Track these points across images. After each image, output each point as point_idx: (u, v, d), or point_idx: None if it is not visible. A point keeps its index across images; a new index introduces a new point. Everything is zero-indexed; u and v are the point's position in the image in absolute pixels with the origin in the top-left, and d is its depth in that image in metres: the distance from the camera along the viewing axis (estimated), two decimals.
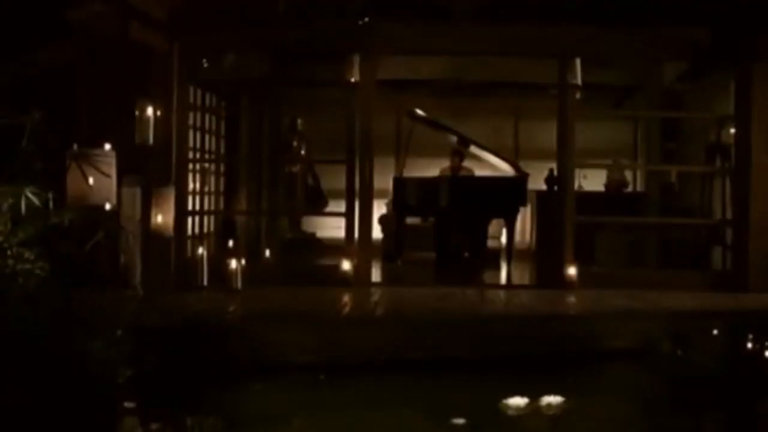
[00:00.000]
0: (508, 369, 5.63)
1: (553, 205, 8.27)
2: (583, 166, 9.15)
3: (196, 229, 8.80)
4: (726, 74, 8.64)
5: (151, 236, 7.06)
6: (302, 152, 11.46)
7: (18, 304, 4.18)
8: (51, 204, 4.95)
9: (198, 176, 8.83)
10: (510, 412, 4.70)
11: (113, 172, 5.93)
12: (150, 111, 6.72)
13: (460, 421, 4.46)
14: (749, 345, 5.42)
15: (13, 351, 4.00)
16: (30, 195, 4.65)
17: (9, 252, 4.35)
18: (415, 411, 4.78)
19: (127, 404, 4.39)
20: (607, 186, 10.73)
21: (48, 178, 5.08)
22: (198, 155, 8.87)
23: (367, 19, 8.17)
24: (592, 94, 9.69)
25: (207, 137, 9.27)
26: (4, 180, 4.88)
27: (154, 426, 4.24)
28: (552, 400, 4.84)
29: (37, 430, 3.90)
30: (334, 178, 9.61)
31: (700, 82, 10.20)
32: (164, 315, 6.03)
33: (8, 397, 3.92)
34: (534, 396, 4.84)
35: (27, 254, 4.41)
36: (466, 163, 10.45)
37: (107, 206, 5.88)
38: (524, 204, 9.56)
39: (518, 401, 4.79)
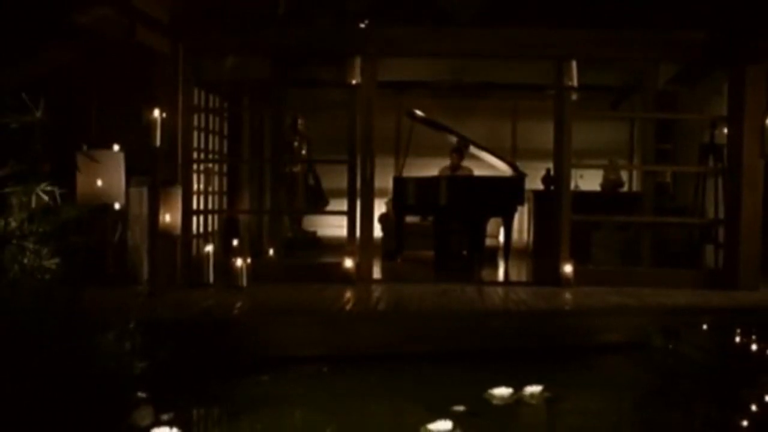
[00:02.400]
0: (506, 362, 5.81)
1: (550, 204, 8.43)
2: (579, 167, 9.31)
3: (201, 228, 8.95)
4: (720, 76, 8.81)
5: (157, 235, 7.21)
6: (303, 152, 11.62)
7: (35, 299, 4.34)
8: (61, 203, 5.09)
9: (202, 176, 8.98)
10: (507, 401, 4.88)
11: (122, 172, 6.09)
12: (156, 113, 6.86)
13: (460, 408, 4.64)
14: (737, 340, 5.60)
15: (29, 345, 4.16)
16: (41, 193, 4.81)
17: (26, 248, 4.51)
18: (416, 400, 4.95)
19: (140, 395, 4.55)
20: (603, 186, 10.90)
21: (58, 178, 5.23)
22: (202, 155, 9.02)
23: (366, 22, 8.33)
24: (588, 96, 9.88)
25: (210, 138, 9.42)
26: (16, 179, 5.04)
27: (166, 416, 4.40)
28: (546, 390, 5.03)
29: (50, 422, 4.04)
30: (335, 178, 9.79)
31: (694, 84, 10.37)
32: (173, 310, 6.20)
33: (23, 391, 4.06)
34: (531, 387, 5.02)
35: (43, 251, 4.57)
36: (465, 163, 10.61)
37: (116, 206, 6.05)
38: (521, 203, 9.72)
39: (515, 391, 4.97)
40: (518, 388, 4.96)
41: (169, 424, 4.24)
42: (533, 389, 4.97)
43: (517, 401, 4.87)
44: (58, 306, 4.57)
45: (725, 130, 8.51)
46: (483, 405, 4.78)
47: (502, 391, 4.92)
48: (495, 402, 4.85)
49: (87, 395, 4.28)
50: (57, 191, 4.96)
